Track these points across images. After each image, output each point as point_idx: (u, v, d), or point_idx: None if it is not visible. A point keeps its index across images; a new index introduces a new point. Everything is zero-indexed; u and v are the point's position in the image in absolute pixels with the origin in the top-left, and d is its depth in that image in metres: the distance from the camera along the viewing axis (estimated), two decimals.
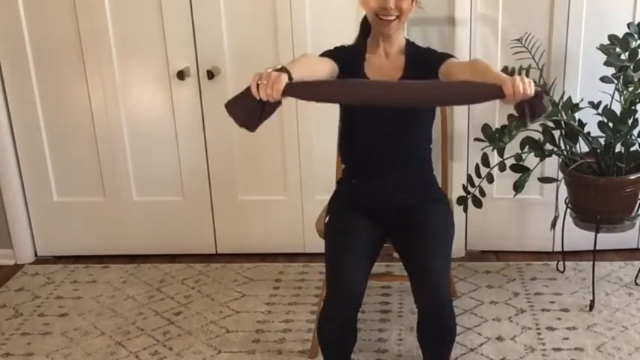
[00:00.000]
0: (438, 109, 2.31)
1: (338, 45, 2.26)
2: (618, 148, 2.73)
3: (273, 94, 1.73)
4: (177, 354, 2.61)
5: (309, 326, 2.73)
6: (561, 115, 2.65)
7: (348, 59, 2.19)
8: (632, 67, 2.64)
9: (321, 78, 1.98)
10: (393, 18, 2.13)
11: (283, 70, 1.79)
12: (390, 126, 2.21)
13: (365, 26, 2.27)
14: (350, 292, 2.05)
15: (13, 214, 3.36)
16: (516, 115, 1.78)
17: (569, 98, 2.74)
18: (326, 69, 2.08)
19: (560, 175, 2.88)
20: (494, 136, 2.63)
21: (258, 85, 1.74)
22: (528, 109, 1.72)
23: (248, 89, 1.75)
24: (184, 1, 3.01)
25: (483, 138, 2.67)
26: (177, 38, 3.06)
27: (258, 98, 1.73)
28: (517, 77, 1.72)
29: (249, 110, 1.77)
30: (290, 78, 1.78)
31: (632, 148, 2.72)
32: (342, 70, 2.15)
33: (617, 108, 2.70)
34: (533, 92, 1.72)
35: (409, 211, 2.24)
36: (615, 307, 2.80)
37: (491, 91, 1.75)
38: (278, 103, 1.77)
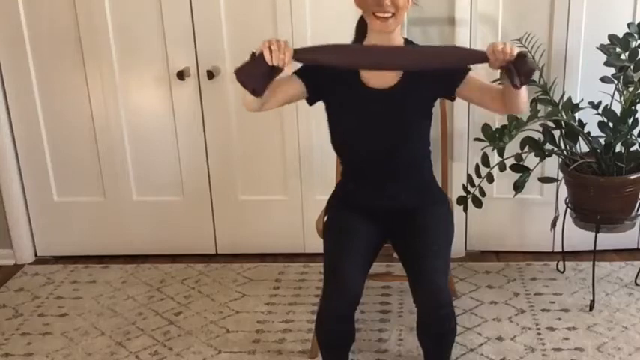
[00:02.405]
0: (436, 111, 2.30)
1: None
2: (618, 148, 2.72)
3: (285, 59, 1.88)
4: (177, 354, 2.61)
5: (309, 326, 2.72)
6: (561, 115, 2.65)
7: None
8: (632, 67, 2.65)
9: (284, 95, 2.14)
10: (389, 15, 2.08)
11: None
12: (386, 133, 2.18)
13: (361, 29, 2.23)
14: (347, 291, 2.05)
15: (13, 214, 3.36)
16: (510, 82, 1.90)
17: (569, 98, 2.74)
18: (289, 90, 2.15)
19: (560, 175, 2.88)
20: (494, 136, 2.63)
21: (270, 52, 1.87)
22: (515, 70, 1.86)
23: (258, 57, 1.88)
24: (184, 1, 3.01)
25: (483, 138, 2.67)
26: (177, 38, 3.06)
27: (270, 64, 1.86)
28: (498, 42, 1.90)
29: (259, 76, 1.90)
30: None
31: (632, 148, 2.72)
32: (333, 78, 2.13)
33: (617, 108, 2.70)
34: (515, 53, 1.86)
35: (409, 213, 2.23)
36: (615, 307, 2.80)
37: (475, 55, 1.96)
38: (281, 69, 1.91)
